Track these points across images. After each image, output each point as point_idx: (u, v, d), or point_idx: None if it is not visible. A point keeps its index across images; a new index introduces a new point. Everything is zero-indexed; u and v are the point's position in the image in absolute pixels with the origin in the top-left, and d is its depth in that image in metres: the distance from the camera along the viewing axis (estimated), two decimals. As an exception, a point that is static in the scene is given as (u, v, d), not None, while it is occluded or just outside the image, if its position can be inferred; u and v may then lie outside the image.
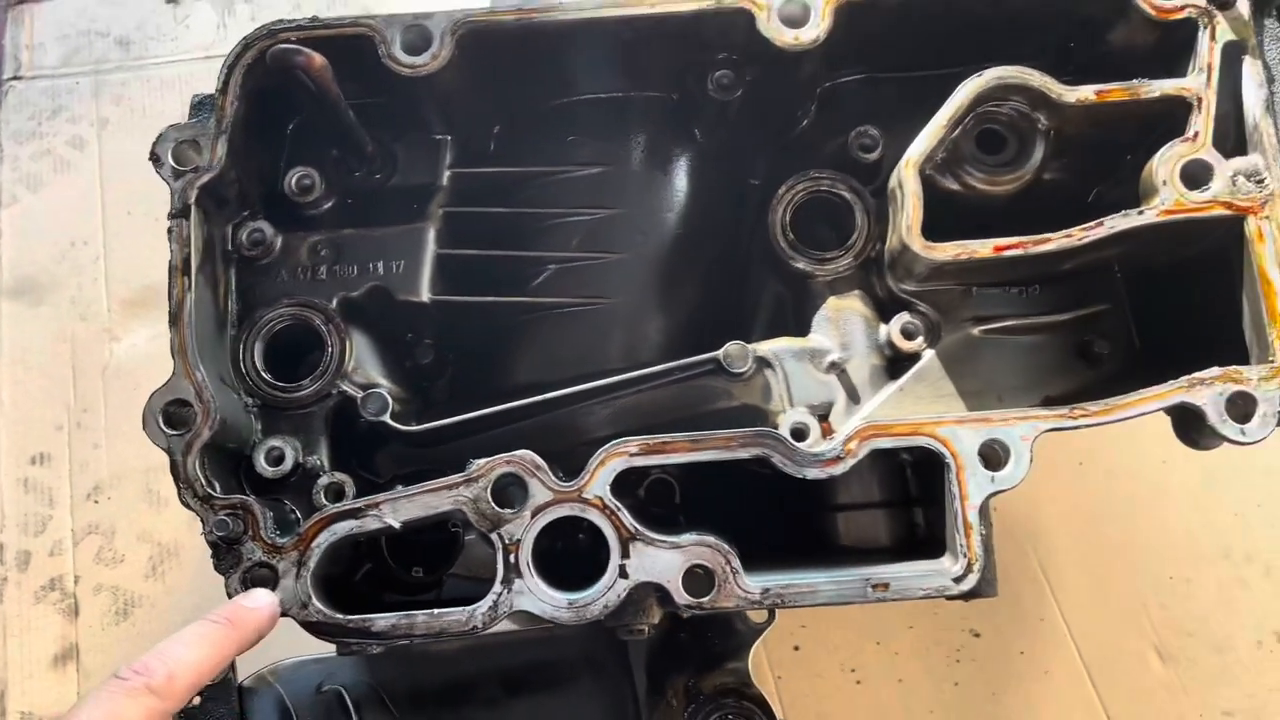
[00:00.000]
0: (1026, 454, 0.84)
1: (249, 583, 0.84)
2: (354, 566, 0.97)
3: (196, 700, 0.98)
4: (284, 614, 0.84)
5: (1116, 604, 1.27)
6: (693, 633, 1.04)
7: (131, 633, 1.24)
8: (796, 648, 1.25)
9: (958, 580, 0.83)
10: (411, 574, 0.99)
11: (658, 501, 1.01)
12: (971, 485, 0.84)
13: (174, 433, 0.85)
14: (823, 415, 0.95)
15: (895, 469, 0.95)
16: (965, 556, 0.82)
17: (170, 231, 0.90)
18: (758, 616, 1.05)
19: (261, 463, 0.92)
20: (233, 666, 0.99)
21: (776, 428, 0.91)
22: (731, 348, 0.95)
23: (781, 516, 0.98)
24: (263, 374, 0.95)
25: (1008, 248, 0.88)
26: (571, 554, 0.87)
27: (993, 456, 0.84)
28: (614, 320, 1.03)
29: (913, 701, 1.23)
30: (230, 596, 0.84)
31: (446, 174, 1.02)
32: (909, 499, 0.95)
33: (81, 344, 1.40)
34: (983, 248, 0.87)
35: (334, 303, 0.97)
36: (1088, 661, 1.24)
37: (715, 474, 0.96)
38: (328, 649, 0.98)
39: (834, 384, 0.96)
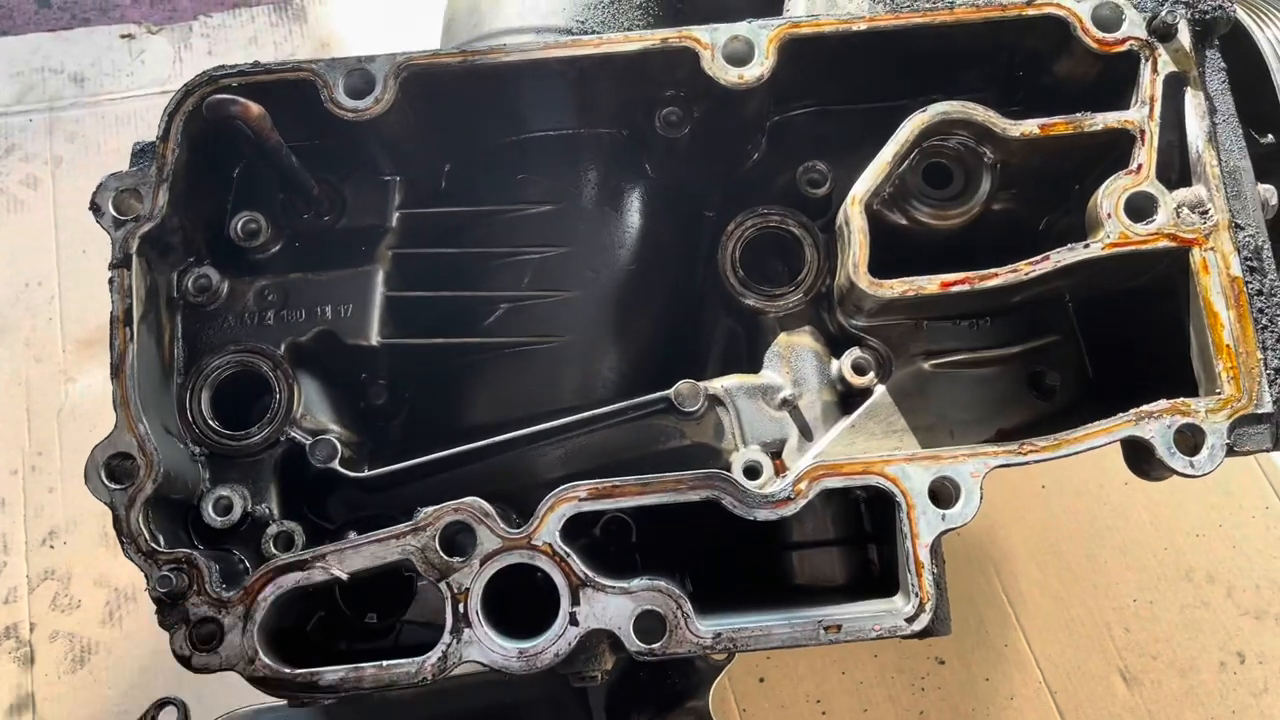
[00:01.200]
0: (977, 491, 0.83)
1: (195, 640, 0.83)
2: (306, 615, 0.96)
3: (150, 752, 0.97)
4: (230, 669, 0.83)
5: (1080, 628, 1.27)
6: (651, 672, 1.03)
7: (89, 680, 1.23)
8: (762, 679, 1.25)
9: (910, 620, 0.82)
10: (365, 620, 0.98)
11: (614, 540, 1.00)
12: (922, 524, 0.83)
13: (117, 487, 0.84)
14: (775, 453, 0.94)
15: (849, 505, 0.95)
16: (917, 596, 0.82)
17: (111, 282, 0.89)
18: (717, 655, 1.04)
19: (209, 512, 0.91)
20: (187, 714, 0.99)
21: (729, 467, 0.91)
22: (682, 386, 0.94)
23: (738, 554, 0.98)
24: (209, 422, 0.94)
25: (955, 283, 0.88)
26: (527, 588, 0.87)
27: (943, 494, 0.84)
28: (567, 358, 1.03)
29: (879, 732, 1.22)
30: (175, 654, 0.82)
31: (395, 215, 1.01)
32: (863, 535, 0.95)
33: (36, 386, 1.38)
34: (930, 284, 0.87)
35: (282, 348, 0.96)
36: (1053, 687, 1.24)
37: (671, 512, 0.96)
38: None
39: (786, 421, 0.95)
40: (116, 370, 0.86)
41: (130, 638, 1.25)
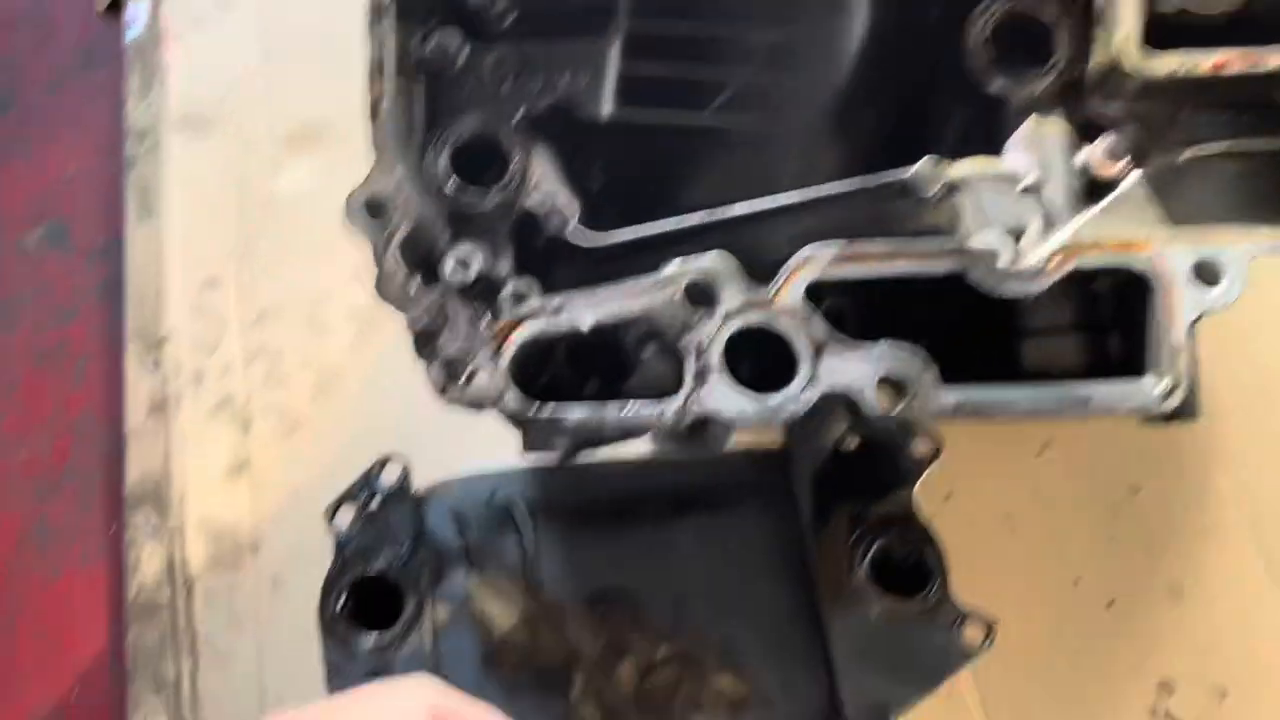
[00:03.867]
0: (1241, 275, 0.81)
1: (448, 374, 0.86)
2: (535, 377, 0.98)
3: (376, 504, 1.02)
4: (481, 406, 0.86)
5: (1285, 464, 1.23)
6: (858, 464, 1.03)
7: (299, 450, 1.29)
8: (948, 496, 1.24)
9: (1162, 399, 0.81)
10: (587, 386, 1.00)
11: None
12: (1180, 305, 0.81)
13: (374, 220, 0.87)
14: (1017, 236, 0.92)
15: (1089, 296, 0.93)
16: (1171, 376, 0.81)
17: (368, 31, 0.90)
18: (924, 450, 1.04)
19: (449, 268, 0.93)
20: (408, 474, 1.03)
21: (967, 250, 0.89)
22: (922, 168, 0.92)
23: (960, 346, 0.97)
24: (450, 182, 0.96)
25: (1227, 63, 0.84)
26: (754, 367, 0.88)
27: (1205, 275, 0.81)
28: (793, 144, 1.02)
29: (1068, 553, 1.21)
30: (432, 383, 0.86)
31: (630, -15, 1.01)
32: (1102, 326, 0.93)
33: (248, 175, 1.43)
34: (1205, 59, 0.83)
35: (517, 117, 0.97)
36: (1254, 519, 1.21)
37: (889, 300, 0.96)
38: (500, 465, 1.01)
39: (1028, 208, 0.93)
40: (374, 113, 0.89)
41: (335, 416, 1.30)
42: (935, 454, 1.04)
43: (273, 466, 1.28)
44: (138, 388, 1.33)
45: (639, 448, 1.14)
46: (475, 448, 1.06)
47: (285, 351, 1.34)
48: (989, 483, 1.25)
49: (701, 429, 1.24)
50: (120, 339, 1.36)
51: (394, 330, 1.34)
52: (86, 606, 1.27)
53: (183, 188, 1.43)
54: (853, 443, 1.04)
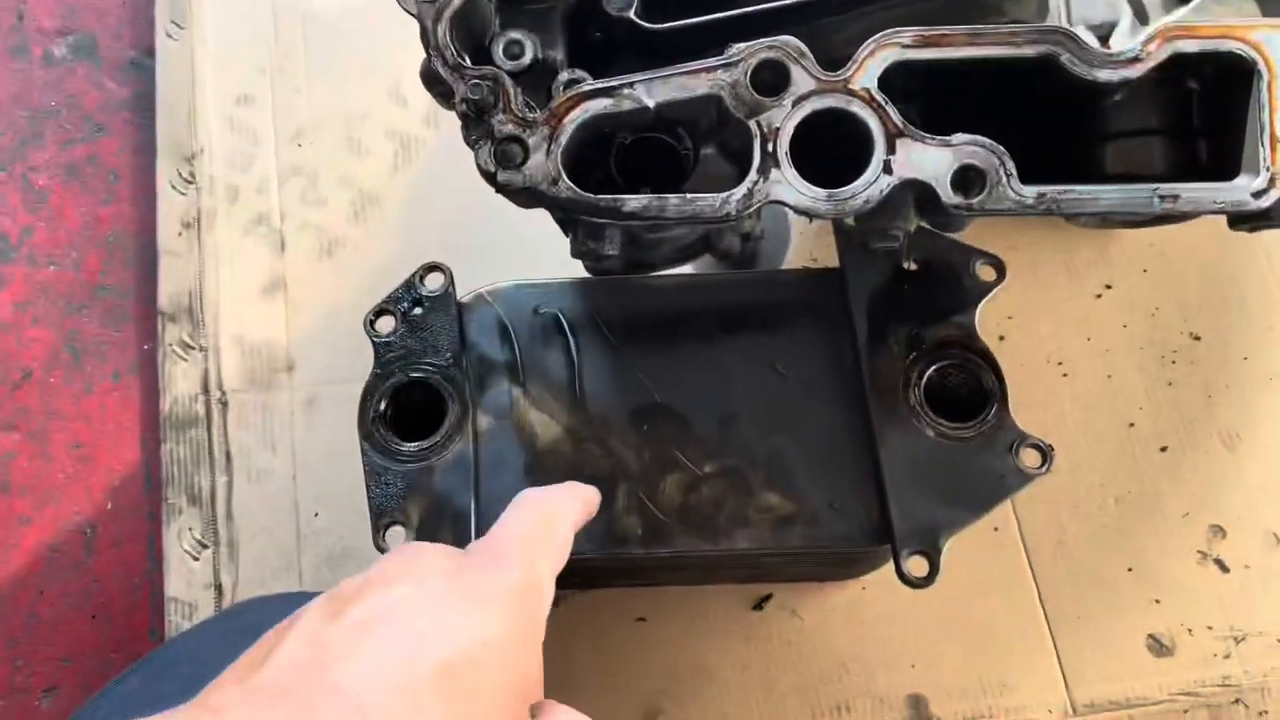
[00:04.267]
0: (1353, 65, 0.75)
1: (499, 157, 0.82)
2: (584, 175, 0.94)
3: (419, 311, 1.00)
4: (533, 195, 0.82)
5: (1354, 315, 1.19)
6: (917, 286, 0.99)
7: (335, 270, 1.26)
8: (1001, 338, 1.21)
9: (1257, 196, 0.76)
10: (640, 191, 0.96)
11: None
12: (1284, 96, 0.76)
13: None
14: (1104, 36, 0.87)
15: (1179, 97, 0.87)
16: (1269, 170, 0.76)
17: None
18: (986, 275, 1.00)
19: (500, 54, 0.88)
20: (452, 282, 1.00)
21: (1053, 46, 0.84)
22: (1009, -47, 0.87)
23: (1037, 153, 0.92)
24: (502, -43, 0.90)
25: None
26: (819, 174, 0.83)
27: (1312, 66, 0.76)
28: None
29: (1121, 398, 1.18)
30: (480, 169, 0.82)
31: None
32: (1191, 130, 0.88)
33: (282, -10, 1.38)
34: None
35: (574, -103, 0.91)
36: (1317, 371, 1.17)
37: (964, 105, 0.90)
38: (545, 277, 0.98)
39: (1120, 3, 0.87)
40: (424, -121, 0.83)
41: (373, 236, 1.27)
42: (999, 277, 1.00)
43: (309, 286, 1.26)
44: (170, 204, 1.30)
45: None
46: (516, 272, 1.03)
47: (321, 170, 1.30)
48: (1044, 326, 1.22)
49: (754, 246, 1.21)
50: (152, 154, 1.32)
51: (434, 150, 1.31)
52: (120, 421, 1.25)
53: (215, 2, 1.38)
54: (913, 263, 1.01)
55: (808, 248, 1.26)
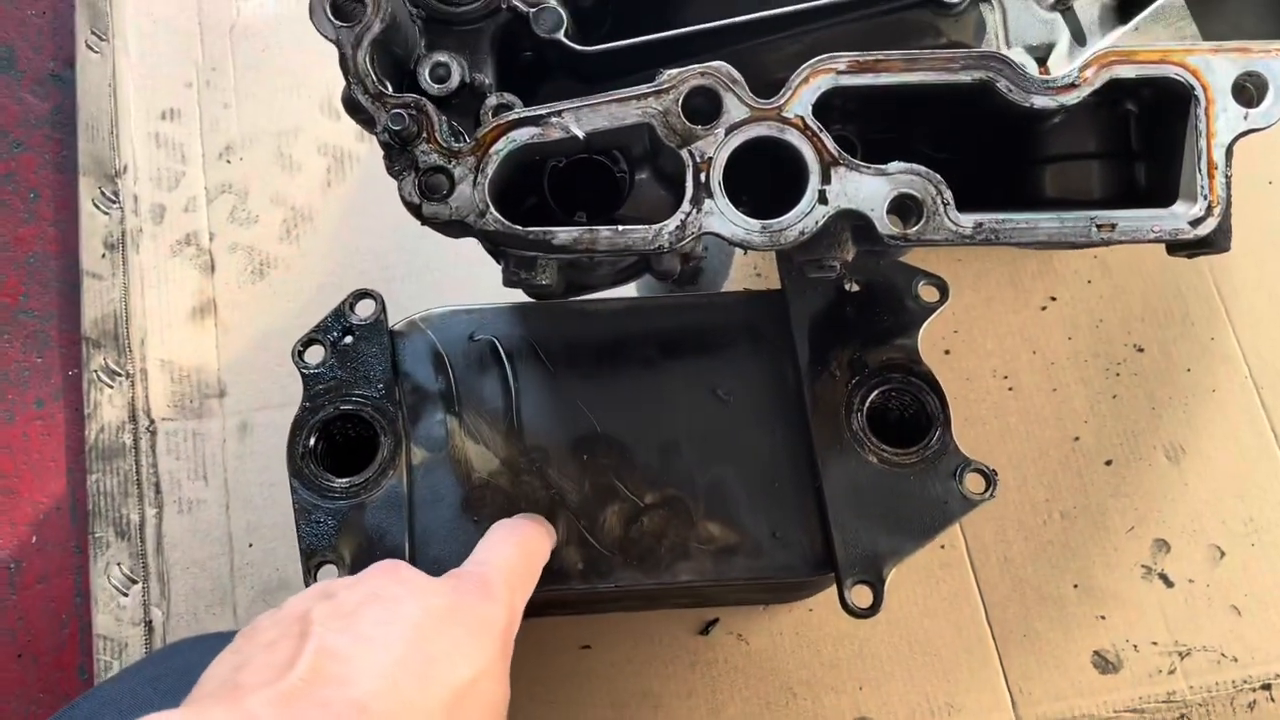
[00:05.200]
0: (1288, 92, 0.74)
1: (424, 188, 0.79)
2: (518, 201, 0.91)
3: (349, 340, 0.96)
4: (460, 225, 0.79)
5: (1296, 327, 1.19)
6: (859, 307, 0.98)
7: (268, 291, 1.22)
8: (947, 352, 1.20)
9: (1195, 224, 0.75)
10: (575, 219, 0.94)
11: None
12: (1221, 121, 0.75)
13: (343, 24, 0.79)
14: (1041, 58, 0.86)
15: (1117, 120, 0.86)
16: (1206, 199, 0.75)
17: None
18: (929, 295, 0.98)
19: (426, 78, 0.85)
20: (383, 309, 0.97)
21: (990, 68, 0.83)
22: (945, -27, 0.85)
23: (974, 179, 0.91)
24: (426, -22, 0.87)
25: None
26: (757, 184, 0.81)
27: (1247, 91, 0.75)
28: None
29: (1066, 411, 1.18)
30: (404, 201, 0.79)
31: None
32: (1130, 153, 0.87)
33: (208, 1, 1.33)
34: None
35: (501, -86, 0.88)
36: (1259, 383, 1.17)
37: (901, 129, 0.89)
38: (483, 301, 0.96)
39: (1058, 23, 0.86)
40: (342, -101, 0.80)
41: (306, 255, 1.23)
42: (942, 298, 0.99)
43: (240, 309, 1.22)
44: (93, 224, 1.25)
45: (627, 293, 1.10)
46: (453, 295, 1.00)
47: (252, 188, 1.26)
48: (989, 340, 1.21)
49: (695, 265, 1.19)
50: (74, 171, 1.27)
51: (368, 165, 1.27)
52: (44, 451, 1.21)
53: (138, 11, 1.33)
54: (856, 285, 0.99)
55: (752, 261, 1.24)
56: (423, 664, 0.60)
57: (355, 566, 0.89)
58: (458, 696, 0.60)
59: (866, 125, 0.91)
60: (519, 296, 1.01)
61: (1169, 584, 1.12)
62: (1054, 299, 1.22)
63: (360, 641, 0.60)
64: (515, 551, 0.77)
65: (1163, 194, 0.80)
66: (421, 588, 0.67)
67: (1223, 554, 1.13)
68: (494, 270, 0.88)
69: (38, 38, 1.36)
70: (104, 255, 1.23)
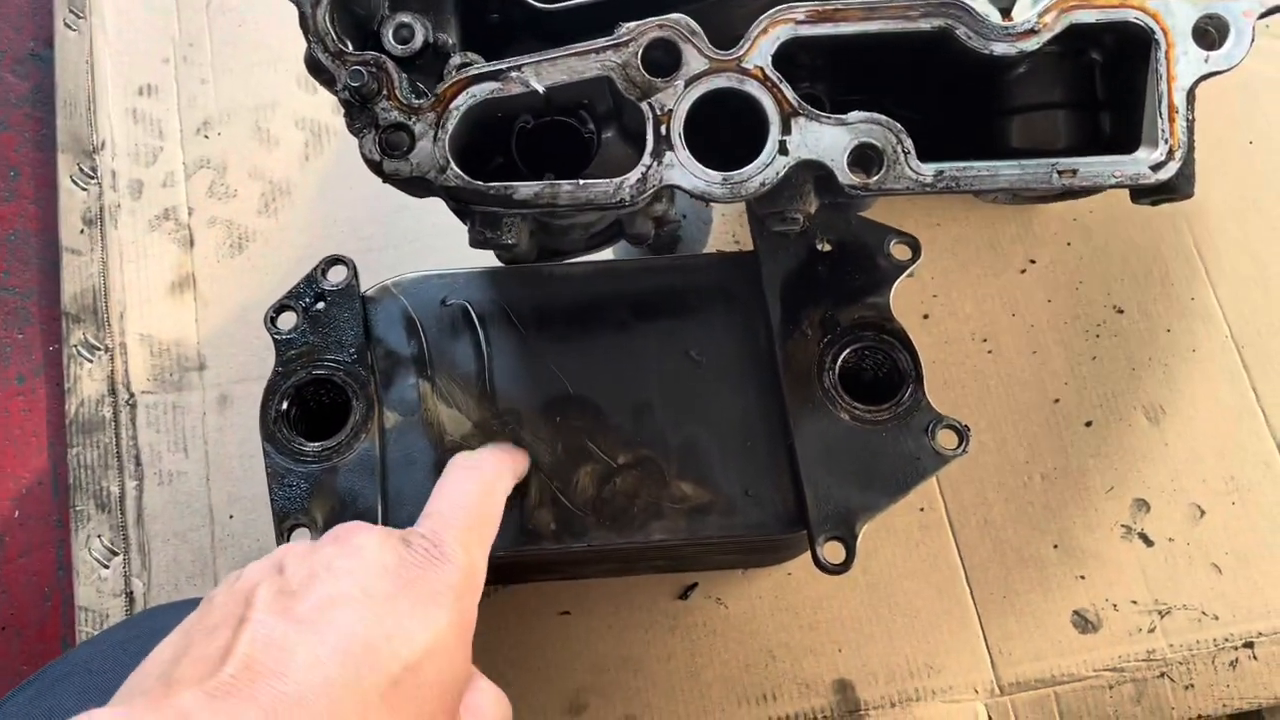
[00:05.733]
0: (1248, 32, 0.74)
1: (384, 145, 0.79)
2: (484, 159, 0.91)
3: (321, 305, 0.97)
4: (422, 183, 0.79)
5: (1277, 287, 1.19)
6: (831, 266, 0.98)
7: (246, 265, 1.22)
8: (926, 316, 1.20)
9: (1155, 168, 0.75)
10: (543, 179, 0.94)
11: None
12: (1182, 65, 0.75)
13: (301, -17, 0.79)
14: (1005, 9, 0.85)
15: (1081, 69, 0.86)
16: (1167, 143, 0.74)
17: None
18: (901, 253, 0.98)
19: (389, 39, 0.85)
20: (355, 274, 0.97)
21: (953, 19, 0.82)
22: (905, -74, 0.85)
23: (938, 130, 0.90)
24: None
25: None
26: (717, 136, 0.81)
27: (1208, 34, 0.75)
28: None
29: (1046, 373, 1.17)
30: (365, 158, 0.79)
31: None
32: (1095, 102, 0.86)
33: (184, -24, 1.34)
34: None
35: (462, -126, 0.88)
36: (1240, 342, 1.17)
37: (864, 82, 0.89)
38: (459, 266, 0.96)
39: (1020, -27, 0.86)
40: None
41: (285, 229, 1.24)
42: (914, 256, 0.99)
43: (219, 282, 1.22)
44: (71, 200, 1.25)
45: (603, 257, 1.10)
46: (430, 265, 1.00)
47: (230, 162, 1.26)
48: (968, 303, 1.21)
49: (672, 231, 1.19)
50: (53, 149, 1.28)
51: (345, 138, 1.27)
52: (25, 426, 1.22)
53: (115, -12, 1.33)
54: (827, 244, 0.99)
55: (729, 229, 1.24)
56: (362, 650, 0.59)
57: (327, 528, 0.89)
58: (396, 682, 0.59)
59: (835, 84, 0.91)
60: (493, 263, 1.01)
61: (1149, 543, 1.12)
62: (1033, 261, 1.22)
63: (299, 627, 0.59)
64: (474, 492, 0.76)
65: (1128, 142, 0.80)
66: (368, 562, 0.66)
67: (1203, 513, 1.12)
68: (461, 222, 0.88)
69: (18, 18, 1.36)
70: (83, 231, 1.24)
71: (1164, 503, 1.13)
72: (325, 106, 1.27)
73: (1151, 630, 1.08)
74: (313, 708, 0.55)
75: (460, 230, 0.90)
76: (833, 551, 0.90)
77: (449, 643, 0.63)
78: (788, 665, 1.08)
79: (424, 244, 1.20)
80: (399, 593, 0.63)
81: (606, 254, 1.10)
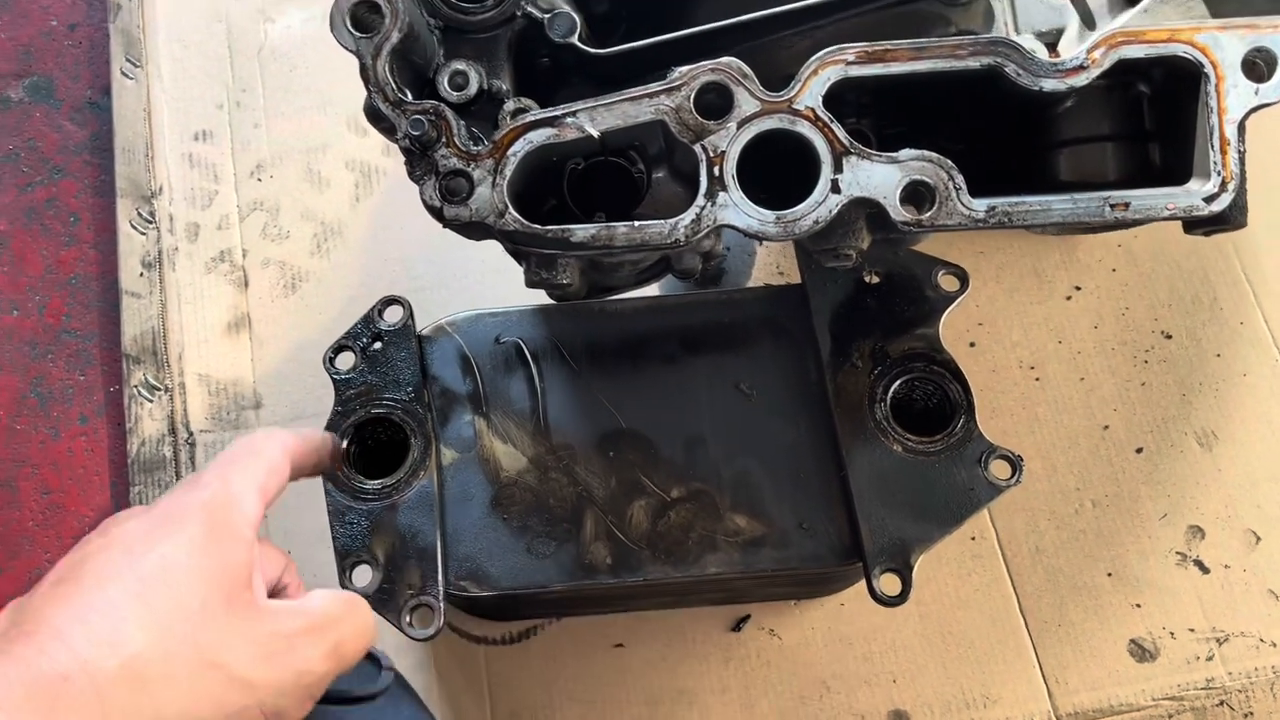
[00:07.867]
0: (1298, 63, 0.75)
1: (445, 192, 0.81)
2: (539, 202, 0.93)
3: (378, 345, 0.99)
4: (481, 227, 0.81)
5: (1328, 306, 1.18)
6: (879, 298, 0.99)
7: (300, 305, 1.25)
8: (972, 344, 1.20)
9: (1209, 200, 0.75)
10: (594, 219, 0.96)
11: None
12: (1231, 98, 0.75)
13: (363, 35, 0.81)
14: (1051, 44, 0.86)
15: (1129, 102, 0.87)
16: (1219, 175, 0.75)
17: None
18: (949, 284, 0.99)
19: (445, 86, 0.87)
20: (411, 315, 0.99)
21: (999, 55, 0.83)
22: (952, -35, 0.86)
23: (988, 166, 0.91)
24: (443, -12, 0.89)
25: None
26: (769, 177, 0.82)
27: (1257, 67, 0.75)
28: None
29: (1095, 400, 1.17)
30: (426, 204, 0.81)
31: None
32: (1144, 134, 0.87)
33: (237, 25, 1.37)
34: None
35: (515, -76, 0.90)
36: (1290, 365, 1.16)
37: (913, 120, 0.90)
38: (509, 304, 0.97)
39: (1066, 9, 0.87)
40: (359, -85, 0.82)
41: (337, 269, 1.26)
42: (962, 287, 0.99)
43: (273, 322, 1.24)
44: (130, 244, 1.28)
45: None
46: (481, 303, 1.02)
47: (283, 204, 1.29)
48: (1014, 331, 1.21)
49: (718, 265, 1.20)
50: (112, 195, 1.31)
51: (395, 178, 1.30)
52: (89, 466, 1.24)
53: (169, 38, 1.37)
54: (875, 276, 1.00)
55: (773, 261, 1.25)
56: (98, 583, 0.61)
57: (388, 566, 0.91)
58: (141, 585, 0.61)
59: (881, 119, 0.93)
60: (544, 300, 1.03)
61: (1204, 570, 1.11)
62: (1079, 288, 1.22)
63: (43, 595, 0.61)
64: (236, 446, 0.77)
65: (1178, 173, 0.81)
66: (122, 519, 0.68)
67: (1259, 539, 1.12)
68: (519, 276, 0.90)
69: (75, 67, 1.40)
70: (142, 274, 1.27)
71: (1219, 529, 1.12)
72: (375, 148, 1.30)
73: (1210, 658, 1.08)
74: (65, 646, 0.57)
75: (511, 267, 0.92)
76: (889, 583, 0.90)
77: (201, 544, 0.65)
78: (843, 696, 1.08)
79: (474, 281, 1.22)
80: (145, 527, 0.66)
81: (653, 289, 1.11)
